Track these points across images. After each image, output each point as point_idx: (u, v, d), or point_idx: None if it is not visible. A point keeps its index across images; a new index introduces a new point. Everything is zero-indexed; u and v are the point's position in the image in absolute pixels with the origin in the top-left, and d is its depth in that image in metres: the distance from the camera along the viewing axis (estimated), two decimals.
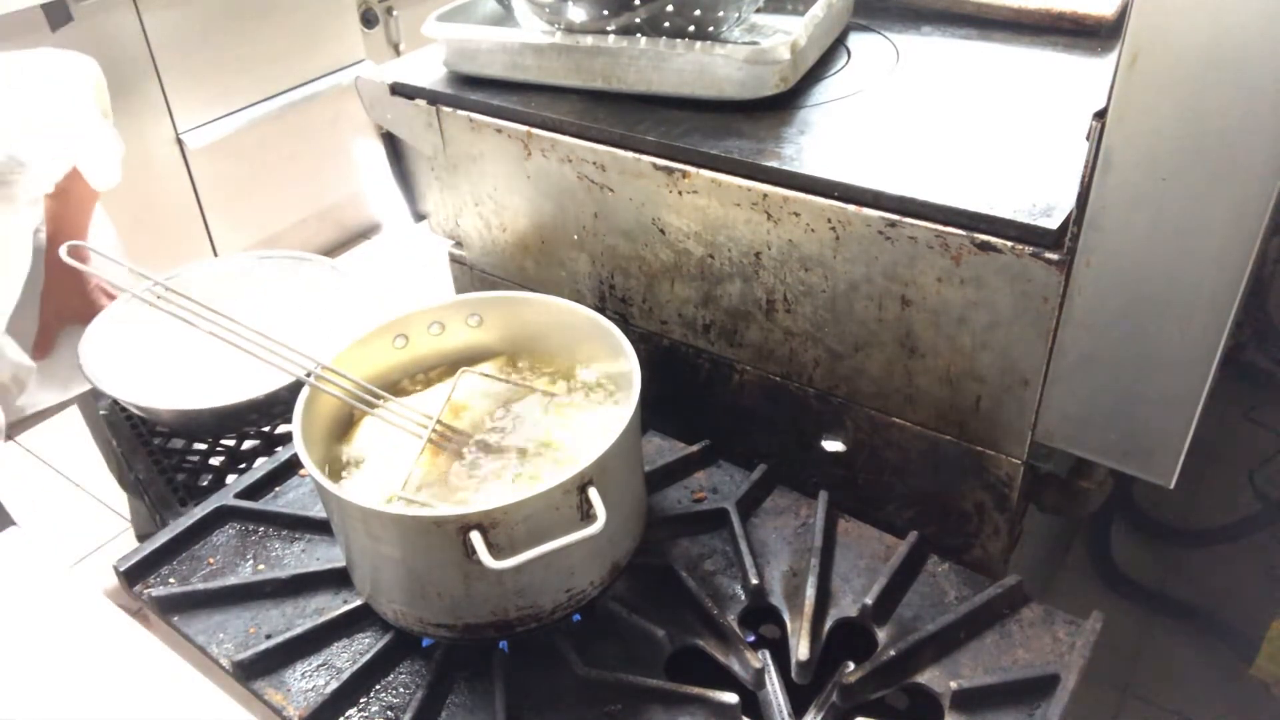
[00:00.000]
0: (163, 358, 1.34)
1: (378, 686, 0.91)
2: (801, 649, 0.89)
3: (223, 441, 1.38)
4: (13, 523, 1.51)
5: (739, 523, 1.01)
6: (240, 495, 1.10)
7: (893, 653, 0.87)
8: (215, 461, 1.37)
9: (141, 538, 1.62)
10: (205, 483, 1.34)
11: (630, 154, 1.04)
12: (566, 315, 1.04)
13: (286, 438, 1.36)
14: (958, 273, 0.87)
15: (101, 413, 1.44)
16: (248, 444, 1.38)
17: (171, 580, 1.02)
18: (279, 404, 1.26)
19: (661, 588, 0.96)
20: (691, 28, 1.05)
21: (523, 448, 0.96)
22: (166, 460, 1.36)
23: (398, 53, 2.98)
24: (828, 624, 0.92)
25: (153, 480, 1.32)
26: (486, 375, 1.03)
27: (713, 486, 1.09)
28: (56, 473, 2.26)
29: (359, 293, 1.41)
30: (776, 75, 1.03)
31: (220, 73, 2.57)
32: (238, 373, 1.24)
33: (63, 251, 0.97)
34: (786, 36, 1.02)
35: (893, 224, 0.89)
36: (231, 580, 1.00)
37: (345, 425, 1.01)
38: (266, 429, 1.37)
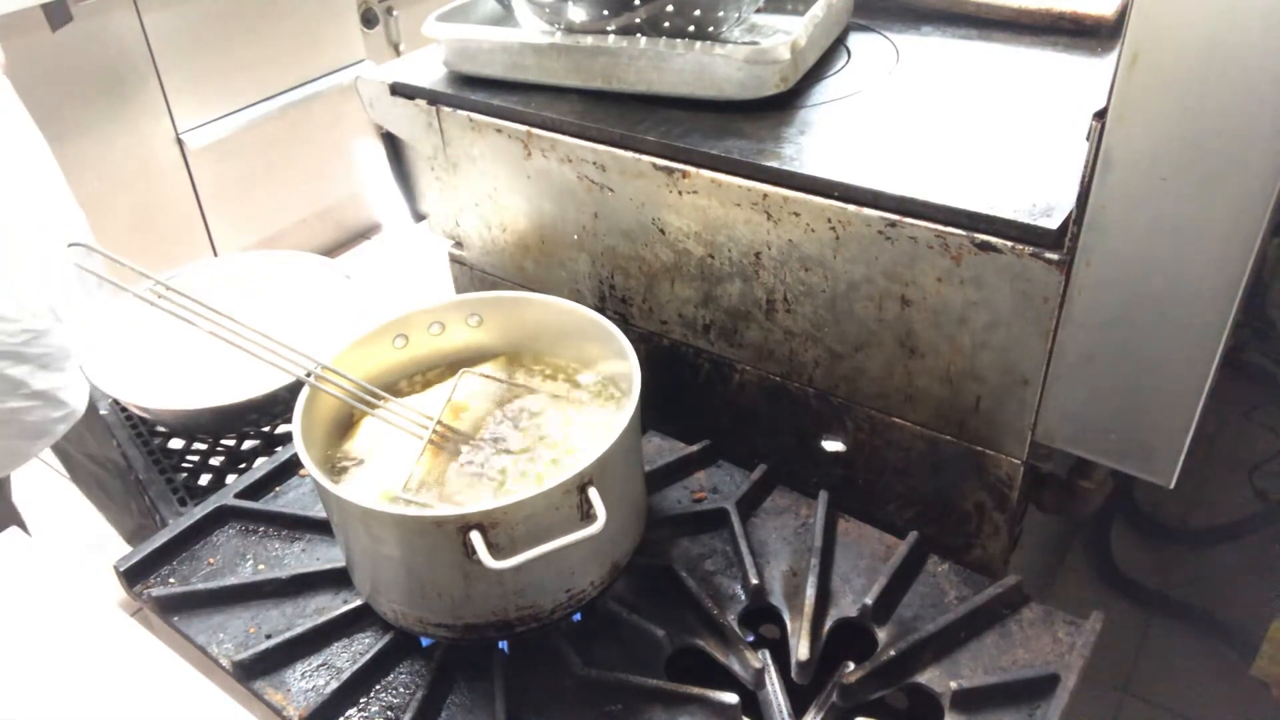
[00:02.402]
0: (163, 357, 1.34)
1: (378, 686, 0.91)
2: (801, 649, 0.89)
3: (222, 442, 1.38)
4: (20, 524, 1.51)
5: (739, 523, 1.01)
6: (240, 495, 1.10)
7: (893, 653, 0.87)
8: (215, 461, 1.37)
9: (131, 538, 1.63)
10: (205, 483, 1.34)
11: (630, 154, 1.04)
12: (566, 315, 1.04)
13: (286, 438, 1.36)
14: (958, 273, 0.87)
15: (102, 412, 1.44)
16: (248, 444, 1.38)
17: (171, 580, 1.02)
18: (279, 404, 1.26)
19: (661, 588, 0.96)
20: (691, 28, 1.05)
21: (523, 448, 0.96)
22: (166, 460, 1.36)
23: (398, 53, 2.98)
24: (828, 624, 0.92)
25: (153, 480, 1.32)
26: (487, 376, 1.03)
27: (713, 486, 1.09)
28: (56, 473, 2.26)
29: (358, 293, 1.41)
30: (776, 75, 1.03)
31: (220, 73, 2.57)
32: (238, 372, 1.23)
33: (65, 248, 0.97)
34: (786, 36, 1.02)
35: (893, 224, 0.89)
36: (231, 580, 1.00)
37: (345, 425, 1.01)
38: (266, 429, 1.37)
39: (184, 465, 1.36)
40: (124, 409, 1.42)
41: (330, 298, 1.42)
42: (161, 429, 1.39)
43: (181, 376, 1.32)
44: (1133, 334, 0.80)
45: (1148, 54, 0.69)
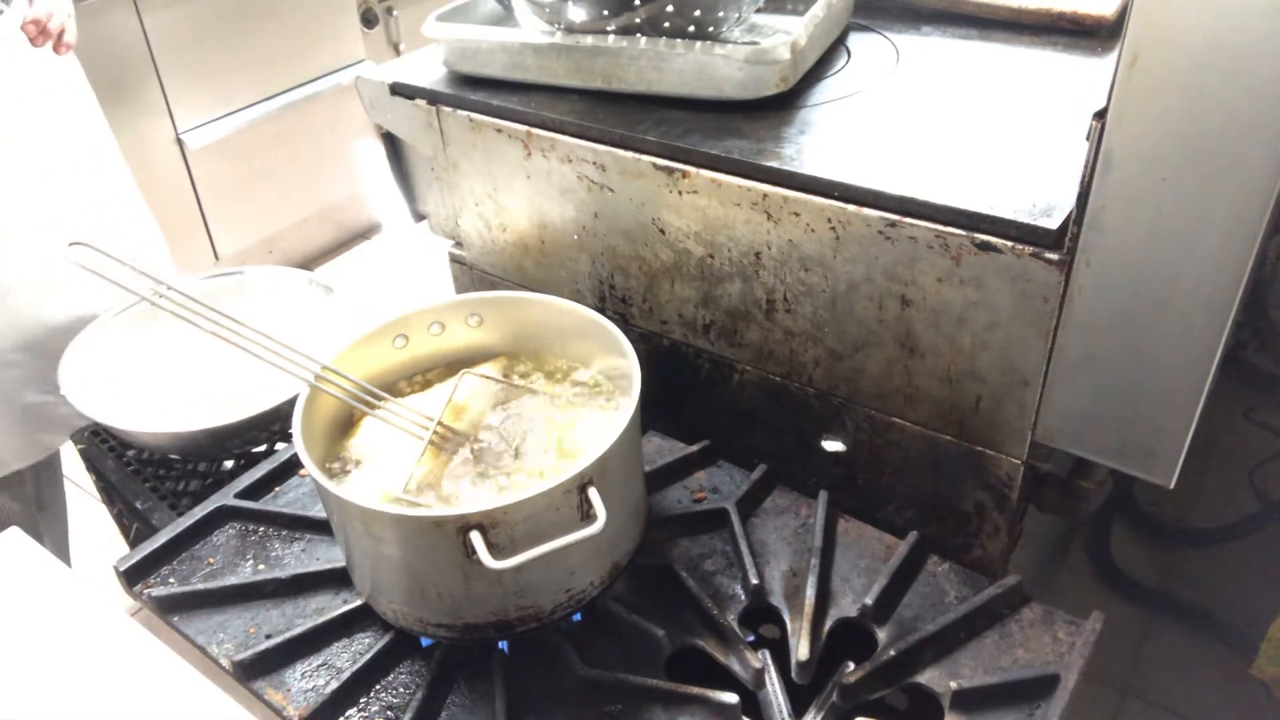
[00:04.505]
0: (144, 382, 1.33)
1: (378, 686, 0.91)
2: (801, 649, 0.89)
3: (201, 466, 1.34)
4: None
5: (739, 523, 1.01)
6: (240, 495, 1.10)
7: (893, 653, 0.87)
8: (194, 486, 1.33)
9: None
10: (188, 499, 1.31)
11: (630, 154, 1.04)
12: (566, 315, 1.04)
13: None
14: (958, 273, 0.87)
15: (79, 447, 1.40)
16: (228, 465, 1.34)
17: (171, 580, 1.02)
18: (278, 419, 1.24)
19: (661, 588, 0.96)
20: (691, 28, 1.05)
21: (522, 448, 0.96)
22: (152, 474, 1.34)
23: (398, 53, 2.98)
24: (828, 624, 0.92)
25: (154, 508, 1.28)
26: (487, 377, 1.03)
27: (713, 486, 1.09)
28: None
29: (340, 305, 1.39)
30: (776, 75, 1.03)
31: (220, 73, 2.57)
32: (222, 394, 1.23)
33: (66, 249, 0.97)
34: (786, 36, 1.02)
35: (893, 224, 0.89)
36: (231, 580, 1.00)
37: (345, 425, 1.01)
38: (262, 448, 1.34)
39: (169, 477, 1.33)
40: (103, 439, 1.38)
41: (312, 311, 1.40)
42: (144, 456, 1.35)
43: (165, 400, 1.31)
44: (1133, 334, 0.80)
45: (1148, 54, 0.69)
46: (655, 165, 1.02)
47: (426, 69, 1.25)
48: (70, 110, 1.49)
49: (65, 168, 1.46)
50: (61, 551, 1.73)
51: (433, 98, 1.20)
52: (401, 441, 0.96)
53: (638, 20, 1.04)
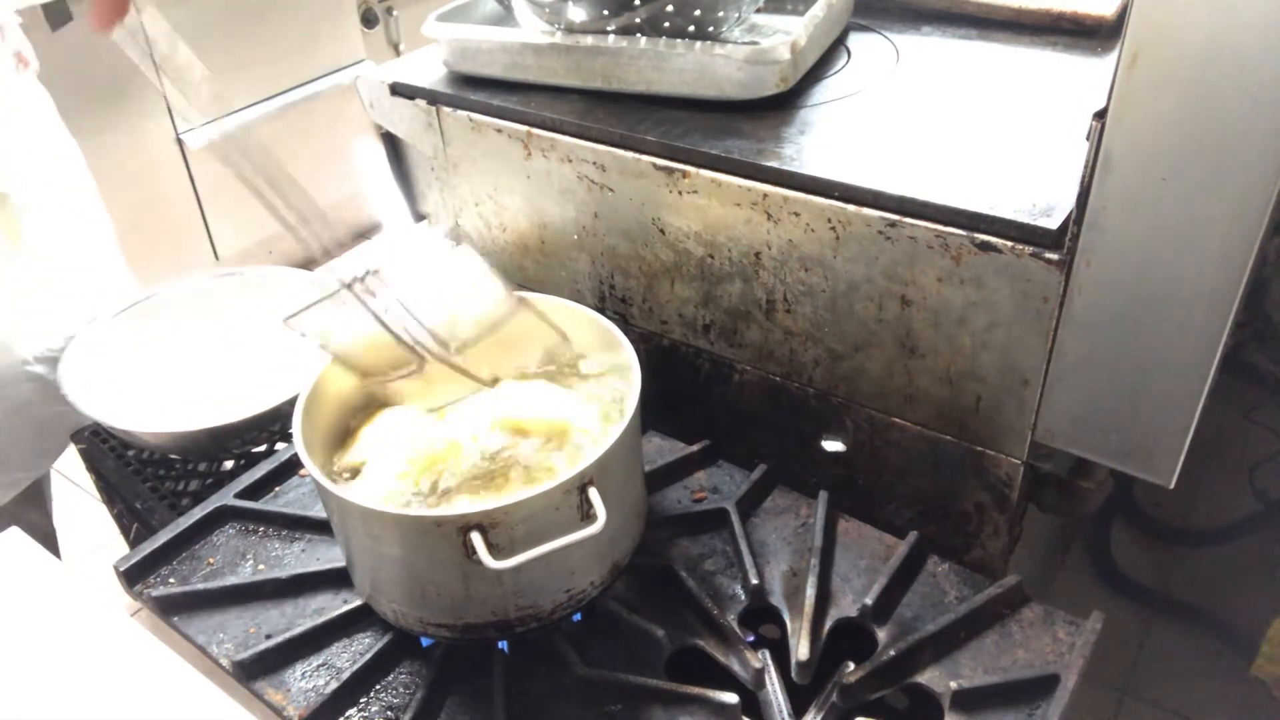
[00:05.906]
0: (142, 379, 1.33)
1: (378, 686, 0.91)
2: (801, 649, 0.89)
3: (200, 466, 1.33)
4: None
5: (739, 523, 1.01)
6: (240, 495, 1.10)
7: (893, 653, 0.87)
8: (194, 486, 1.32)
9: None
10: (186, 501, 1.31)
11: (630, 154, 1.04)
12: (566, 315, 1.04)
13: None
14: (958, 273, 0.87)
15: (79, 447, 1.40)
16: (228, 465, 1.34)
17: (171, 580, 1.02)
18: (279, 419, 1.24)
19: (661, 588, 0.96)
20: (691, 28, 1.05)
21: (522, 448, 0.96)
22: (152, 474, 1.33)
23: (398, 53, 2.98)
24: (828, 624, 0.92)
25: (154, 508, 1.27)
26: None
27: (713, 486, 1.09)
28: (55, 471, 2.26)
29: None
30: (776, 75, 1.03)
31: (220, 73, 2.56)
32: (221, 393, 1.23)
33: None
34: (786, 36, 1.02)
35: (893, 224, 0.89)
36: (231, 580, 1.00)
37: (346, 425, 1.01)
38: (262, 448, 1.33)
39: (169, 476, 1.33)
40: (103, 439, 1.38)
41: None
42: (144, 455, 1.35)
43: (165, 400, 1.30)
44: (1133, 334, 0.80)
45: (1148, 54, 0.69)
46: (655, 165, 1.02)
47: (426, 69, 1.25)
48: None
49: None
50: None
51: (433, 98, 1.20)
52: (401, 443, 0.96)
53: (638, 20, 1.05)
